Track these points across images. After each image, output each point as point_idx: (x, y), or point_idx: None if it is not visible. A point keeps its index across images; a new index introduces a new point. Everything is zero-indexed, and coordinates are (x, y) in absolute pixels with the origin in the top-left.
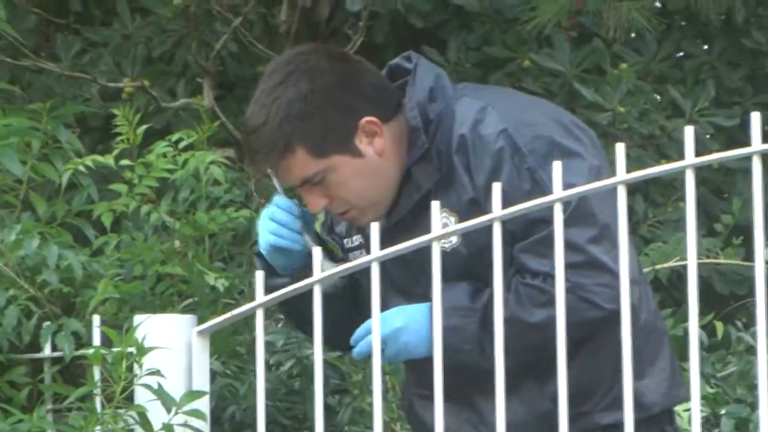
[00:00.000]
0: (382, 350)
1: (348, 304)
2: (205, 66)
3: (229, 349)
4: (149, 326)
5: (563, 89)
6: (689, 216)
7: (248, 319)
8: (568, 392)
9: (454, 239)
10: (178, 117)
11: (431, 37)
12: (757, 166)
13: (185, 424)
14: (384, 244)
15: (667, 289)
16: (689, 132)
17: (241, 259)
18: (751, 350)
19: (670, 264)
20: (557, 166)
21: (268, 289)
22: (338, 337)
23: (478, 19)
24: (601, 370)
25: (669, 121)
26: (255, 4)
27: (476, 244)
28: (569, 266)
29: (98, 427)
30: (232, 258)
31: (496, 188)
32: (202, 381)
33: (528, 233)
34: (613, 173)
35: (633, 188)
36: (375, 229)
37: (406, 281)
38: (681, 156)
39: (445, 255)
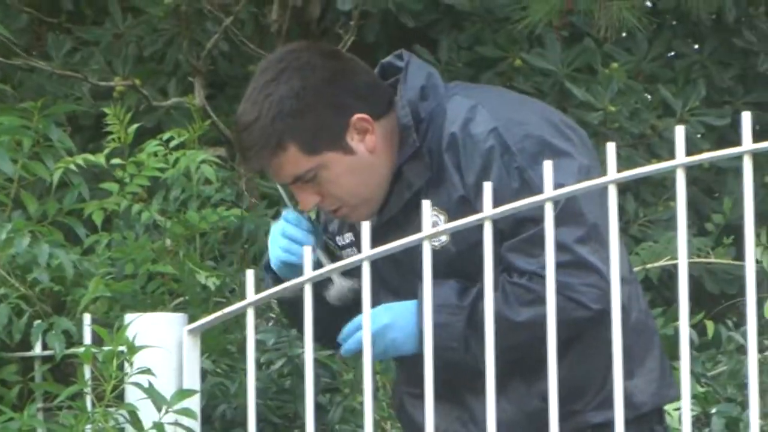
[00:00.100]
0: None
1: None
2: (196, 65)
3: (220, 348)
4: (140, 325)
5: (554, 88)
6: (680, 215)
7: (239, 318)
8: (558, 391)
9: (444, 237)
10: (169, 116)
11: (422, 37)
12: (747, 165)
13: (176, 423)
14: (375, 242)
15: (657, 289)
16: (680, 131)
17: (232, 258)
18: (742, 349)
19: (661, 263)
20: (548, 166)
21: (280, 302)
22: (330, 336)
23: (469, 19)
24: (591, 370)
25: (660, 120)
26: (246, 4)
27: (466, 243)
28: (556, 266)
29: (89, 426)
30: (223, 257)
31: (488, 188)
32: (192, 379)
33: (516, 232)
34: (603, 172)
35: (624, 187)
36: (366, 228)
37: (396, 280)
38: (672, 155)
39: (435, 253)
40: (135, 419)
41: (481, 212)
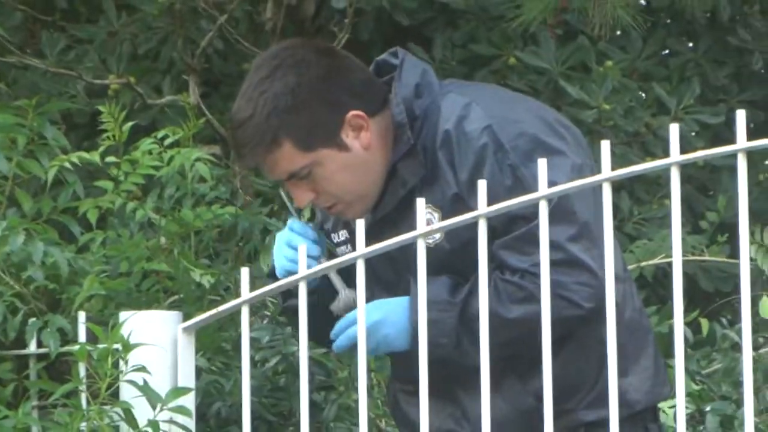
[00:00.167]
0: None
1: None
2: (191, 63)
3: (215, 346)
4: (135, 323)
5: (548, 87)
6: (674, 213)
7: (234, 316)
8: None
9: (438, 235)
10: (163, 114)
11: (417, 35)
12: (742, 163)
13: (171, 421)
14: (370, 239)
15: (652, 287)
16: (674, 129)
17: (226, 256)
18: (736, 347)
19: (655, 261)
20: (542, 164)
21: (287, 309)
22: (325, 335)
23: (464, 17)
24: (584, 368)
25: (654, 118)
26: (240, 2)
27: (459, 240)
28: (549, 264)
29: (84, 424)
30: (218, 255)
31: (482, 186)
32: (187, 377)
33: (508, 229)
34: (598, 171)
35: (618, 185)
36: (360, 226)
37: (391, 277)
38: (666, 153)
39: (428, 250)
40: (130, 417)
41: (475, 210)
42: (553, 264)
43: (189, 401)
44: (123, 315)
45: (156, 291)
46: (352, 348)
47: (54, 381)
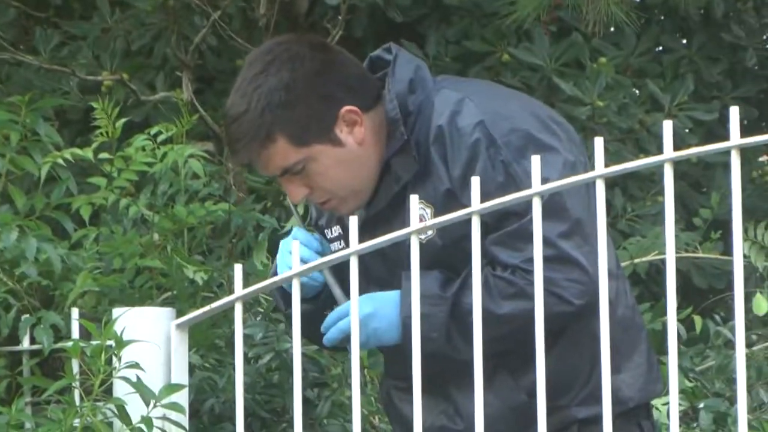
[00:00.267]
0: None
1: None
2: (184, 59)
3: (208, 342)
4: (128, 319)
5: (542, 83)
6: (668, 210)
7: (227, 312)
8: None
9: (430, 231)
10: (157, 110)
11: (410, 31)
12: (735, 160)
13: (164, 417)
14: (363, 235)
15: (645, 283)
16: (668, 126)
17: (219, 253)
18: (730, 344)
19: (649, 258)
20: (536, 161)
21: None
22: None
23: (457, 13)
24: (576, 365)
25: (648, 115)
26: None
27: (451, 236)
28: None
29: (77, 420)
30: (211, 251)
31: (475, 182)
32: (180, 374)
33: (500, 225)
34: (591, 167)
35: (611, 182)
36: (353, 223)
37: (383, 273)
38: (660, 150)
39: (421, 246)
40: (123, 413)
41: (468, 205)
42: (545, 260)
43: (182, 398)
44: (116, 311)
45: (149, 287)
46: (345, 344)
47: (47, 377)
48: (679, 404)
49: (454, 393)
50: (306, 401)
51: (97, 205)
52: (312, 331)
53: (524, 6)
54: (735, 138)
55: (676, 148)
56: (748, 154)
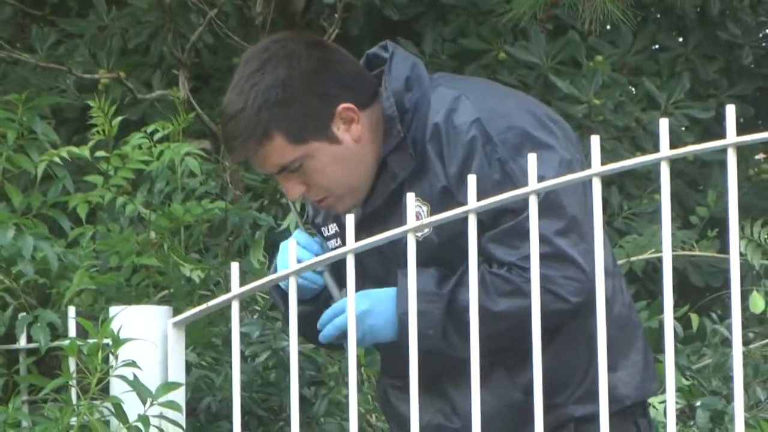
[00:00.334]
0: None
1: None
2: (181, 57)
3: (205, 341)
4: (125, 317)
5: (539, 81)
6: (664, 208)
7: (224, 311)
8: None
9: (426, 228)
10: (153, 108)
11: (407, 29)
12: (732, 158)
13: (161, 416)
14: (359, 233)
15: (642, 281)
16: (664, 124)
17: (216, 251)
18: (726, 342)
19: (645, 256)
20: (532, 159)
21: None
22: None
23: (454, 11)
24: (573, 362)
25: (644, 113)
26: None
27: (447, 234)
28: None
29: (74, 419)
30: (208, 249)
31: (472, 181)
32: (177, 372)
33: (496, 223)
34: (587, 165)
35: (608, 180)
36: (350, 220)
37: (380, 271)
38: (656, 148)
39: (417, 244)
40: (120, 412)
41: (464, 203)
42: (541, 258)
43: (179, 396)
44: (113, 310)
45: (146, 286)
46: (341, 341)
47: (44, 376)
48: (676, 402)
49: (451, 391)
50: (303, 399)
51: (94, 204)
52: (311, 332)
53: (520, 4)
54: (731, 136)
55: (673, 146)
56: (744, 152)
